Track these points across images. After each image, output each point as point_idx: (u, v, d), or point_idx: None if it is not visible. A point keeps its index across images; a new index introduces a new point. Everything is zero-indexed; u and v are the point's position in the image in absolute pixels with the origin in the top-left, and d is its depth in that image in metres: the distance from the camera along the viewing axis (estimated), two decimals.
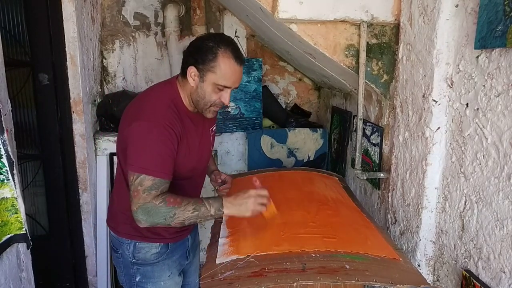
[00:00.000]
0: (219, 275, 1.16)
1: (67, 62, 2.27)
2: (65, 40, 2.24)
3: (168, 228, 1.45)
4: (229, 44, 1.32)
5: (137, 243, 1.46)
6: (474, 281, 1.21)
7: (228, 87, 1.34)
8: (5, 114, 1.37)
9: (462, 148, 1.30)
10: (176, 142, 1.30)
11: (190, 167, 1.44)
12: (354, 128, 2.23)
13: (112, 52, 2.82)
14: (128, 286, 1.54)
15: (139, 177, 1.23)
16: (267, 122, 2.95)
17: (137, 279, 1.49)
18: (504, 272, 1.10)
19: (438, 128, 1.41)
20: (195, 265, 1.79)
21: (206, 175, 1.70)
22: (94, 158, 2.56)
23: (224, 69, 1.29)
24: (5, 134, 1.27)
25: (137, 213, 1.24)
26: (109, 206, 1.61)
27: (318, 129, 2.79)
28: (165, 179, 1.27)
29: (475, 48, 1.19)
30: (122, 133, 1.37)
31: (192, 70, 1.32)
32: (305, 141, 2.77)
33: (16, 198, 1.33)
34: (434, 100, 1.39)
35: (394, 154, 1.71)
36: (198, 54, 1.31)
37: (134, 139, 1.27)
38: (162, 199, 1.24)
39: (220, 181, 1.67)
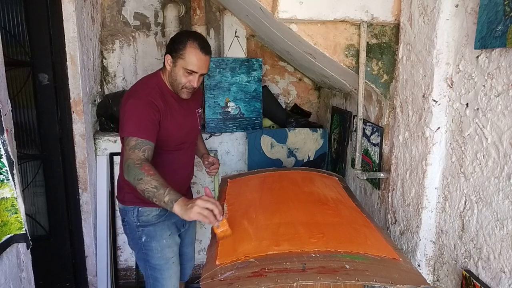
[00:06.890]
0: (219, 275, 1.16)
1: (67, 62, 2.27)
2: (65, 40, 2.25)
3: None
4: (197, 38, 1.61)
5: (140, 208, 1.72)
6: (474, 281, 1.21)
7: (196, 72, 1.61)
8: (5, 114, 1.36)
9: (462, 148, 1.30)
10: (157, 112, 1.59)
11: (179, 138, 1.74)
12: (354, 128, 2.23)
13: (112, 52, 2.82)
14: (136, 248, 1.79)
15: (127, 139, 1.50)
16: (267, 122, 2.95)
17: (143, 240, 1.75)
18: (504, 272, 1.10)
19: (438, 128, 1.41)
20: (191, 238, 2.05)
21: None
22: (94, 158, 2.57)
23: (191, 57, 1.58)
24: (5, 134, 1.27)
25: (123, 167, 1.48)
26: (117, 181, 1.86)
27: (318, 129, 2.79)
28: (145, 139, 1.50)
29: (475, 48, 1.19)
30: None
31: (168, 58, 1.64)
32: (305, 141, 2.77)
33: (16, 198, 1.33)
34: (434, 100, 1.39)
35: (394, 154, 1.71)
36: (172, 45, 1.63)
37: (125, 113, 1.58)
38: (140, 162, 1.43)
39: (207, 162, 1.97)
